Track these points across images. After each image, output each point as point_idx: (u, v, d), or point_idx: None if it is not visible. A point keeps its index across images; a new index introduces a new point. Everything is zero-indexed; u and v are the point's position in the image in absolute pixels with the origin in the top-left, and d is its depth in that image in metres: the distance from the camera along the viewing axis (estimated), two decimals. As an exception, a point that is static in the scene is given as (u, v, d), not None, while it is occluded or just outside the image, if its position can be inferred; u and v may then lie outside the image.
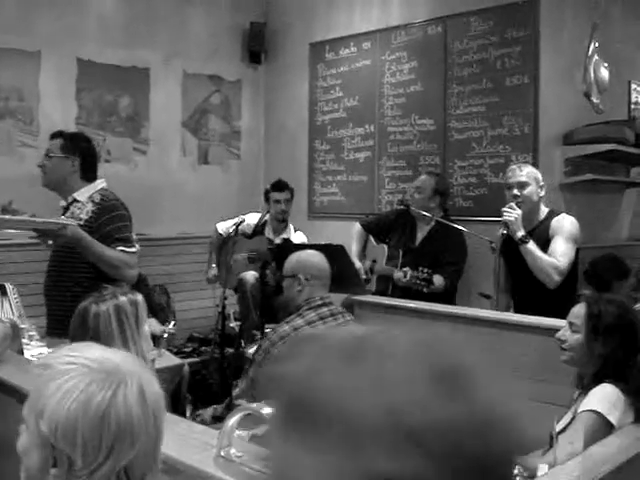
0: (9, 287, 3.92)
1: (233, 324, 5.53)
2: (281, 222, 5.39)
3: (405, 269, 4.47)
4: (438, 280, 4.53)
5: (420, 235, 4.91)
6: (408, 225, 4.98)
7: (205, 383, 5.24)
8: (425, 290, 4.37)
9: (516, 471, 2.34)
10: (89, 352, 1.22)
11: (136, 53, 6.03)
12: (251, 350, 4.64)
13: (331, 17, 6.38)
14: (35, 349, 3.95)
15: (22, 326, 3.71)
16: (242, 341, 5.26)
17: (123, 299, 2.54)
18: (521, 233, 3.84)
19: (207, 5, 6.50)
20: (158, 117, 6.21)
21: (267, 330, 4.98)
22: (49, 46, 5.53)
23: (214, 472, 1.49)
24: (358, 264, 4.93)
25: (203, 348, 5.73)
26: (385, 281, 4.85)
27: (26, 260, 5.12)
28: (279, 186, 5.41)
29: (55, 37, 5.54)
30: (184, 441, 1.66)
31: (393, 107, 5.86)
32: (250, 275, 5.12)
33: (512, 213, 3.86)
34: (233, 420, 1.53)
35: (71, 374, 1.15)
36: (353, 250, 5.02)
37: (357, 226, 5.22)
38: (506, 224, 3.88)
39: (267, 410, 1.48)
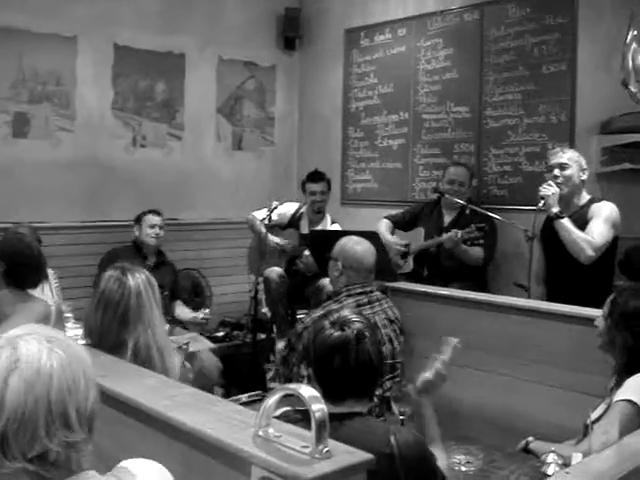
0: (50, 271, 3.97)
1: (265, 309, 5.56)
2: (317, 213, 5.36)
3: (455, 230, 4.59)
4: (478, 249, 4.64)
5: (448, 219, 5.00)
6: (435, 213, 5.07)
7: (237, 368, 5.28)
8: (473, 250, 4.57)
9: (551, 459, 2.35)
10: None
11: (172, 39, 6.06)
12: (280, 344, 4.69)
13: (367, 3, 6.35)
14: (71, 331, 4.02)
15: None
16: (273, 327, 5.29)
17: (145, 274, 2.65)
18: (556, 209, 3.88)
19: (243, -9, 6.52)
20: (193, 103, 6.24)
21: (299, 316, 5.03)
22: (86, 31, 5.57)
23: (253, 451, 1.50)
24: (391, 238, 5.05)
25: (235, 333, 5.77)
26: (420, 262, 4.93)
27: (63, 243, 5.19)
28: (315, 177, 5.38)
29: (92, 22, 5.58)
30: (222, 421, 1.68)
31: (428, 94, 5.83)
32: (274, 273, 5.11)
33: (549, 188, 3.90)
34: (272, 400, 1.54)
35: None
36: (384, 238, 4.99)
37: (384, 220, 5.26)
38: (543, 198, 3.91)
39: (304, 390, 1.50)
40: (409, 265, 4.99)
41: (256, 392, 4.12)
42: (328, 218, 5.41)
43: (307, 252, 4.96)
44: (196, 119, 6.28)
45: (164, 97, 6.08)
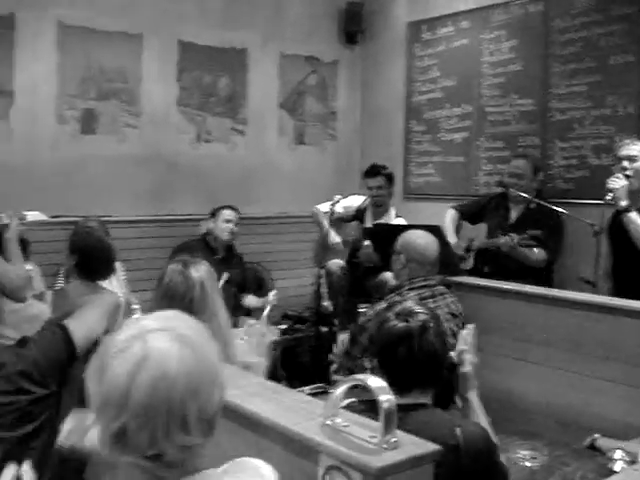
0: (117, 264, 4.06)
1: (327, 303, 5.58)
2: (378, 207, 5.36)
3: (512, 235, 4.47)
4: (539, 252, 4.51)
5: (514, 215, 4.89)
6: (501, 207, 4.97)
7: (299, 360, 5.32)
8: (534, 253, 4.42)
9: (618, 456, 2.32)
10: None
11: (234, 34, 6.13)
12: (342, 336, 4.70)
13: (428, -4, 6.33)
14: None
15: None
16: (335, 320, 5.31)
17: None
18: (625, 202, 3.80)
19: (304, -14, 6.55)
20: (256, 98, 6.31)
21: (361, 310, 5.04)
22: (151, 29, 5.68)
23: (321, 440, 1.52)
24: (454, 240, 4.93)
25: (297, 326, 5.81)
26: (482, 259, 4.85)
27: (129, 237, 5.29)
28: (370, 172, 5.36)
29: (157, 20, 5.69)
30: (291, 410, 1.71)
31: (491, 87, 5.77)
32: (335, 265, 5.14)
33: (617, 181, 3.83)
34: (340, 390, 1.57)
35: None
36: (448, 231, 4.95)
37: (450, 210, 5.19)
38: (611, 191, 3.84)
39: (372, 381, 1.51)
40: (470, 262, 4.93)
41: (319, 384, 4.15)
42: (392, 212, 5.38)
43: (367, 242, 4.96)
44: (259, 114, 6.34)
45: (227, 92, 6.15)
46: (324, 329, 5.44)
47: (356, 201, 5.43)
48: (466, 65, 5.96)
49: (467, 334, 2.46)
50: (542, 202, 4.68)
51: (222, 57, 6.08)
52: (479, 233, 5.05)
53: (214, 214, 5.16)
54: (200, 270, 2.65)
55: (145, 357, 1.15)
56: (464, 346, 2.41)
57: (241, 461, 1.32)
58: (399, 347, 2.05)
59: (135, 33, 5.62)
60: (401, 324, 2.07)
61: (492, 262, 4.75)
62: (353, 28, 6.80)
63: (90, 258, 3.21)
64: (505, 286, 3.95)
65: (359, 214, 5.42)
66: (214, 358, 1.24)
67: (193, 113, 5.93)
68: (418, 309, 2.13)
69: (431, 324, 2.09)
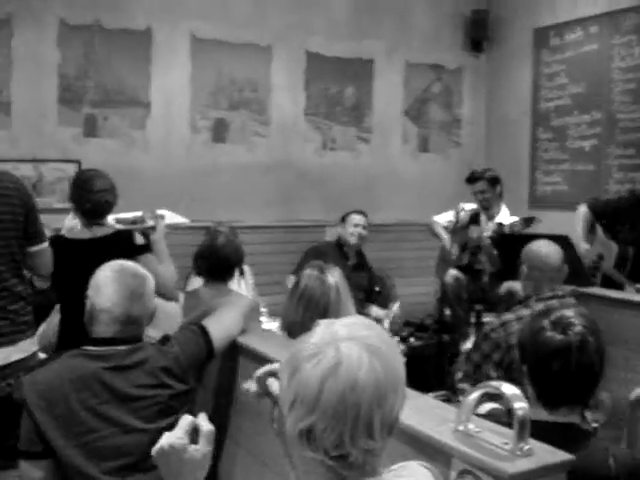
0: (246, 267, 4.19)
1: (449, 311, 5.56)
2: (487, 210, 5.31)
3: (639, 286, 4.17)
4: None
5: None
6: None
7: (421, 368, 5.32)
8: None
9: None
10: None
11: (361, 45, 6.23)
12: (465, 345, 4.66)
13: (555, 1, 6.22)
14: (266, 325, 4.24)
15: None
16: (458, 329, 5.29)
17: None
18: None
19: (429, -5, 6.58)
20: (380, 106, 6.38)
21: (484, 320, 5.00)
22: (280, 40, 5.85)
23: (454, 444, 1.55)
24: (586, 246, 4.59)
25: (419, 334, 5.81)
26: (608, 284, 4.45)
27: (258, 242, 5.45)
28: (471, 179, 5.31)
29: (285, 32, 5.86)
30: (423, 414, 1.74)
31: (623, 93, 5.62)
32: (449, 276, 5.12)
33: None
34: (473, 397, 1.59)
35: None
36: (578, 233, 4.64)
37: (583, 207, 4.77)
38: None
39: (506, 389, 1.53)
40: (597, 282, 4.55)
41: (442, 392, 4.14)
42: (505, 211, 5.30)
43: (487, 241, 4.90)
44: (383, 122, 6.40)
45: (353, 101, 6.25)
46: (446, 337, 5.43)
47: (471, 206, 5.36)
48: (595, 71, 5.83)
49: None
50: None
51: (348, 67, 6.19)
52: (609, 252, 4.62)
53: (344, 219, 5.24)
54: (335, 276, 2.71)
55: (338, 364, 1.21)
56: None
57: (408, 465, 1.37)
58: (554, 361, 1.93)
59: (264, 45, 5.80)
60: (559, 336, 1.94)
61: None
62: (479, 35, 6.77)
63: (219, 260, 3.34)
64: (637, 298, 3.84)
65: (473, 219, 5.36)
66: (399, 367, 1.28)
67: (319, 122, 6.06)
68: (577, 320, 1.98)
69: (590, 338, 1.95)
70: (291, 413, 1.23)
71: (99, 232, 3.33)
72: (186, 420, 1.53)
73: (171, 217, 3.71)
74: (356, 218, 5.19)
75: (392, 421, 1.26)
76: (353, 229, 5.15)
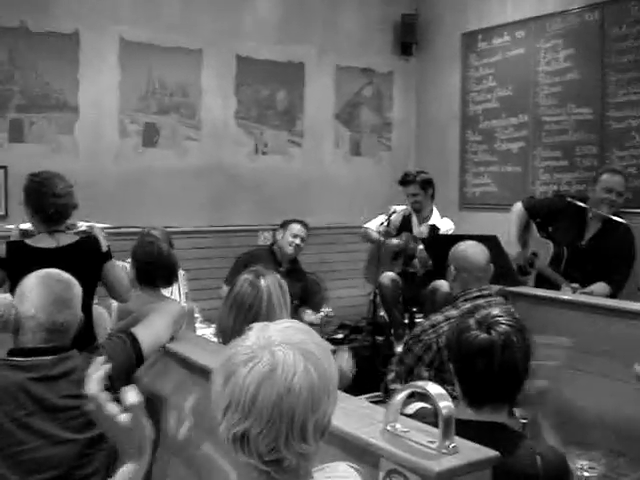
0: (180, 272, 4.14)
1: (383, 313, 5.60)
2: (418, 212, 5.39)
3: (574, 285, 4.28)
4: (602, 288, 4.28)
5: (589, 233, 4.52)
6: (577, 219, 4.54)
7: (355, 370, 5.33)
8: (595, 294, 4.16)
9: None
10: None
11: (291, 48, 6.23)
12: (399, 348, 4.70)
13: (483, 6, 6.33)
14: (200, 330, 4.20)
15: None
16: (392, 331, 5.34)
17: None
18: None
19: (359, -1, 6.62)
20: (312, 110, 6.39)
21: (417, 321, 5.05)
22: (210, 44, 5.81)
23: (382, 444, 1.57)
24: (517, 249, 4.66)
25: (353, 336, 5.84)
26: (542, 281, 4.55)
27: (190, 247, 5.40)
28: (403, 181, 5.39)
29: (216, 35, 5.82)
30: (351, 415, 1.75)
31: (548, 96, 5.76)
32: (386, 278, 5.15)
33: None
34: (400, 397, 1.61)
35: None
36: (512, 232, 4.69)
37: (518, 205, 4.79)
38: None
39: (431, 388, 1.55)
40: (531, 281, 4.65)
41: (376, 393, 4.16)
42: (436, 213, 5.40)
43: (421, 246, 4.95)
44: (315, 126, 6.42)
45: (285, 105, 6.25)
46: (380, 339, 5.47)
47: (401, 210, 5.42)
48: (522, 74, 5.96)
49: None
50: (618, 219, 4.40)
51: (279, 71, 6.19)
52: (544, 250, 4.64)
53: (284, 226, 5.21)
54: (269, 280, 2.69)
55: (273, 369, 1.22)
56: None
57: (337, 466, 1.41)
58: (478, 360, 1.93)
59: (195, 48, 5.75)
60: (483, 335, 1.95)
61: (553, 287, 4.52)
62: (408, 39, 6.85)
63: (152, 266, 3.30)
64: (564, 296, 3.92)
65: (405, 223, 5.42)
66: (332, 372, 1.30)
67: (251, 126, 6.05)
68: (502, 319, 1.98)
69: (514, 338, 1.94)
70: (225, 418, 1.24)
71: (62, 239, 3.25)
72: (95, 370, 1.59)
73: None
74: (296, 228, 5.16)
75: (325, 425, 1.28)
76: (292, 239, 5.12)
